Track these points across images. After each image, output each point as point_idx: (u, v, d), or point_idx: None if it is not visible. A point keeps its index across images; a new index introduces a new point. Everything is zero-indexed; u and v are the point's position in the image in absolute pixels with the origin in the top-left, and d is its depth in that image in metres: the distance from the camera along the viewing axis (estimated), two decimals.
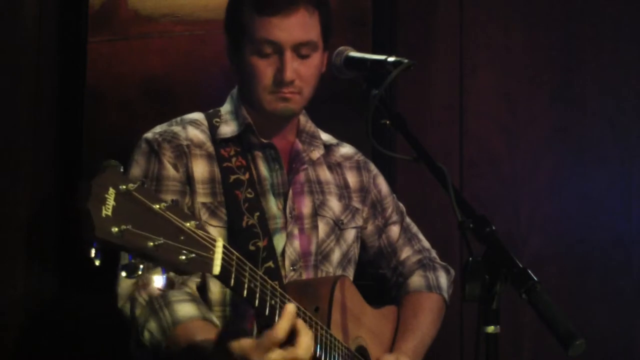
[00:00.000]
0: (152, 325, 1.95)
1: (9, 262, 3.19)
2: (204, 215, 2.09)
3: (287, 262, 2.15)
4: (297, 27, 2.10)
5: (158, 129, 2.20)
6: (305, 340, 1.73)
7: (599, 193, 3.19)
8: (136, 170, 2.12)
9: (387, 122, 1.86)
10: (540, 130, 3.23)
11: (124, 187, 1.36)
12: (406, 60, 1.89)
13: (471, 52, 3.25)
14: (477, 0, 3.27)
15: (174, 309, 1.95)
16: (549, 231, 3.20)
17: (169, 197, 2.06)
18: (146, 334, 1.96)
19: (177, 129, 2.18)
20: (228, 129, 2.20)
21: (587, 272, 3.17)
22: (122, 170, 1.38)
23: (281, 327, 1.69)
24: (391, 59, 1.92)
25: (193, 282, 2.09)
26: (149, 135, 2.17)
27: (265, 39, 2.09)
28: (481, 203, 3.00)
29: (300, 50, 2.12)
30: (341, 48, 2.05)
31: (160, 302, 1.97)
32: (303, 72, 2.13)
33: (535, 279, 1.53)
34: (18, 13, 3.26)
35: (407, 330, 2.31)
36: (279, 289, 1.75)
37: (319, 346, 1.85)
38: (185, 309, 1.96)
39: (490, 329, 1.56)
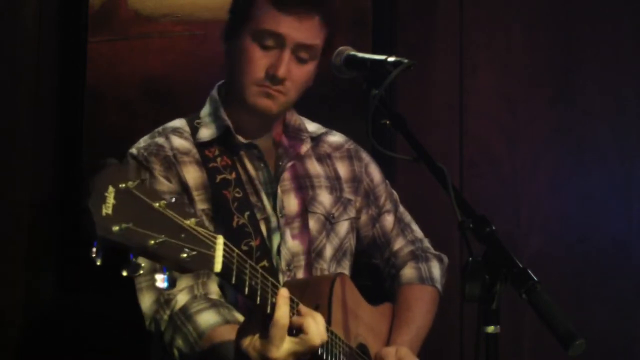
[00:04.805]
0: (179, 342, 1.98)
1: (9, 262, 3.18)
2: (205, 222, 2.08)
3: (282, 262, 2.14)
4: (305, 30, 2.11)
5: (142, 142, 2.18)
6: (311, 323, 1.75)
7: (599, 193, 3.19)
8: None
9: (387, 122, 1.86)
10: (540, 130, 3.23)
11: (124, 185, 1.36)
12: (406, 60, 1.89)
13: (471, 52, 3.25)
14: (477, 0, 3.27)
15: (196, 322, 1.97)
16: (549, 231, 3.20)
17: None
18: (175, 352, 1.98)
19: (160, 140, 2.16)
20: (207, 132, 2.18)
21: (587, 272, 3.17)
22: (121, 168, 1.38)
23: (282, 314, 1.70)
24: (391, 59, 1.91)
25: (213, 283, 2.08)
26: (133, 151, 2.15)
27: (271, 31, 2.09)
28: (481, 203, 3.00)
29: (300, 52, 2.12)
30: (341, 48, 2.04)
31: (181, 318, 1.99)
32: (296, 74, 2.12)
33: (535, 279, 1.53)
34: (18, 13, 3.26)
35: (402, 323, 2.31)
36: (279, 286, 1.75)
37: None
38: (206, 319, 1.97)
39: (490, 329, 1.56)
